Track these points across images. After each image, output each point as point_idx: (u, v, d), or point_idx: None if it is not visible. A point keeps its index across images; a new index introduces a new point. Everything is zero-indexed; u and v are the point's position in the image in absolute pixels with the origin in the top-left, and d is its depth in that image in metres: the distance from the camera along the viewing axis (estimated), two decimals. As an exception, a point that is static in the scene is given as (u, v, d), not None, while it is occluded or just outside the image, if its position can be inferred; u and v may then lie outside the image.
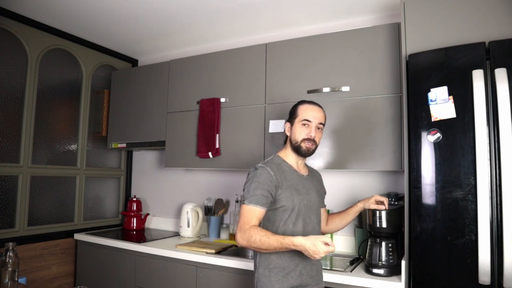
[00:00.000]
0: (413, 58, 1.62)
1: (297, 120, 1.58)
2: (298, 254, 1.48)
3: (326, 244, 1.29)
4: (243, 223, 1.43)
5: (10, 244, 1.39)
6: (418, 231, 1.53)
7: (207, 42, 2.88)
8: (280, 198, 1.48)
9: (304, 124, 1.56)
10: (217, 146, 2.36)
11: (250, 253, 2.38)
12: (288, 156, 1.60)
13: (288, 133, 1.61)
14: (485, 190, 1.36)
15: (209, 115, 2.40)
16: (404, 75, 1.68)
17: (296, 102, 1.64)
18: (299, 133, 1.56)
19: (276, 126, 2.19)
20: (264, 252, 1.46)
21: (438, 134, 1.50)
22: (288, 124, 1.62)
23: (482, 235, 1.35)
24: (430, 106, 1.53)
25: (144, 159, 3.21)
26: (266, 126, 2.23)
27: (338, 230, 1.79)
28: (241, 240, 1.42)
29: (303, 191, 1.55)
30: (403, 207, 1.73)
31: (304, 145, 1.55)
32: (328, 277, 1.74)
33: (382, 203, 1.68)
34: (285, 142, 1.64)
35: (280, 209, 1.49)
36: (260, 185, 1.45)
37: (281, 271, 1.47)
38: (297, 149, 1.57)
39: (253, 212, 1.44)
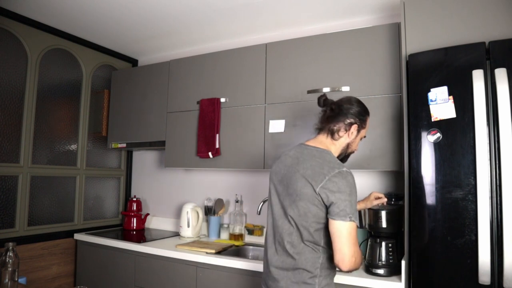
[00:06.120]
0: (413, 58, 1.62)
1: (363, 132, 1.47)
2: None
3: None
4: (357, 246, 1.27)
5: (10, 244, 1.38)
6: (418, 231, 1.53)
7: (207, 42, 2.88)
8: None
9: (361, 139, 1.51)
10: (217, 146, 2.36)
11: (250, 254, 2.38)
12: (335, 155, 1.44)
13: (350, 137, 1.43)
14: (485, 190, 1.36)
15: (209, 115, 2.40)
16: (404, 75, 1.68)
17: (362, 103, 1.50)
18: (357, 144, 1.48)
19: (276, 126, 2.19)
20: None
21: (438, 134, 1.50)
22: (356, 128, 1.43)
23: (482, 235, 1.35)
24: (430, 106, 1.53)
25: (144, 159, 3.21)
26: (266, 126, 2.23)
27: None
28: (359, 264, 1.28)
29: None
30: (403, 207, 1.73)
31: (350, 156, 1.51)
32: (328, 277, 1.74)
33: (380, 198, 1.69)
34: (332, 136, 1.43)
35: None
36: (357, 196, 1.31)
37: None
38: (346, 157, 1.48)
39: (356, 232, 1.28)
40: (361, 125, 1.45)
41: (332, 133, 1.42)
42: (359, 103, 1.47)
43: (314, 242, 1.34)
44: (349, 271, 1.29)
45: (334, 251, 1.27)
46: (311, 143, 1.44)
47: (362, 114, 1.45)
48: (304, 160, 1.38)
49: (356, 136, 1.44)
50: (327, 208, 1.29)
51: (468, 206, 1.42)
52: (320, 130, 1.47)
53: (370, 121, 1.54)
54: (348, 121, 1.41)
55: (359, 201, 1.74)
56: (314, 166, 1.33)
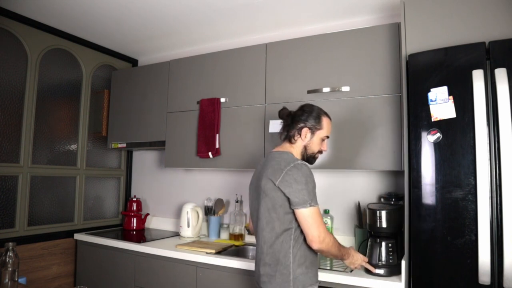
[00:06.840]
0: (413, 58, 1.62)
1: (319, 133, 1.60)
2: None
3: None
4: (324, 227, 1.45)
5: (10, 244, 1.38)
6: (418, 231, 1.53)
7: (207, 42, 2.88)
8: None
9: (323, 140, 1.63)
10: (217, 146, 2.36)
11: (250, 254, 2.38)
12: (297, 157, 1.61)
13: (304, 140, 1.59)
14: (485, 190, 1.36)
15: (209, 115, 2.40)
16: (404, 75, 1.68)
17: (316, 108, 1.63)
18: (317, 145, 1.61)
19: (276, 126, 2.18)
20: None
21: (438, 134, 1.50)
22: (308, 131, 1.58)
23: (482, 235, 1.35)
24: (430, 106, 1.53)
25: (144, 159, 3.21)
26: (266, 126, 2.23)
27: None
28: (330, 243, 1.46)
29: None
30: (403, 207, 1.73)
31: (317, 156, 1.64)
32: (328, 277, 1.74)
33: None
34: (289, 141, 1.61)
35: None
36: (315, 184, 1.48)
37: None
38: (309, 159, 1.61)
39: (320, 213, 1.47)
40: (314, 127, 1.59)
41: (289, 139, 1.60)
42: (311, 110, 1.61)
43: (286, 230, 1.47)
44: (321, 250, 1.45)
45: (305, 234, 1.45)
46: (276, 149, 1.62)
47: (314, 118, 1.59)
48: (267, 163, 1.55)
49: (312, 137, 1.59)
50: (289, 199, 1.44)
51: (468, 206, 1.42)
52: (283, 137, 1.64)
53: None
54: (299, 126, 1.59)
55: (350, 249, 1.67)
56: (273, 165, 1.51)
